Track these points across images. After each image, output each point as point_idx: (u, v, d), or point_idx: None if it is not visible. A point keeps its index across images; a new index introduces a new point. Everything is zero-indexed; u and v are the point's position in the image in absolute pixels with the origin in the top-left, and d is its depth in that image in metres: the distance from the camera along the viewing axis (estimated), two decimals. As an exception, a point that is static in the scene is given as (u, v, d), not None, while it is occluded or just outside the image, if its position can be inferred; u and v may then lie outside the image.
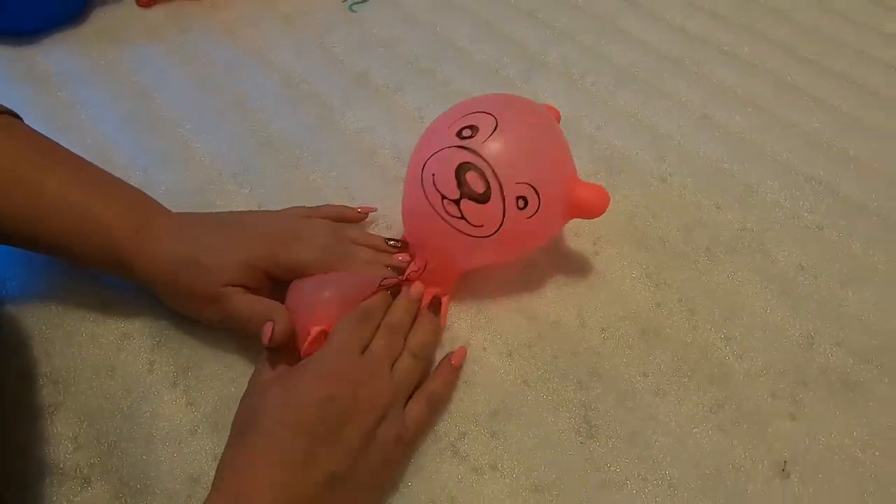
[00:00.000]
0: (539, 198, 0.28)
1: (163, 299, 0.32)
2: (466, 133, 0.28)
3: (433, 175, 0.29)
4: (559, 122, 0.36)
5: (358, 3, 0.60)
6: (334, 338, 0.29)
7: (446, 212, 0.28)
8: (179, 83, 0.51)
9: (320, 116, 0.48)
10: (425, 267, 0.32)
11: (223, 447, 0.29)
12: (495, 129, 0.28)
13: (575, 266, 0.39)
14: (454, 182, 0.28)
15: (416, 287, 0.32)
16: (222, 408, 0.32)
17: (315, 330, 0.29)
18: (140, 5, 0.58)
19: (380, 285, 0.31)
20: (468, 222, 0.28)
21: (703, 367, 0.35)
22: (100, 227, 0.31)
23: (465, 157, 0.28)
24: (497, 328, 0.36)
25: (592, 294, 0.38)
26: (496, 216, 0.28)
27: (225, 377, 0.33)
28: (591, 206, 0.31)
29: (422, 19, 0.58)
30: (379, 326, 0.31)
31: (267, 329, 0.29)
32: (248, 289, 0.31)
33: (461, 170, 0.28)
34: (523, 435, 0.32)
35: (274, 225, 0.34)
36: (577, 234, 0.41)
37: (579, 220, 0.39)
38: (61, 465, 0.30)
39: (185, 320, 0.34)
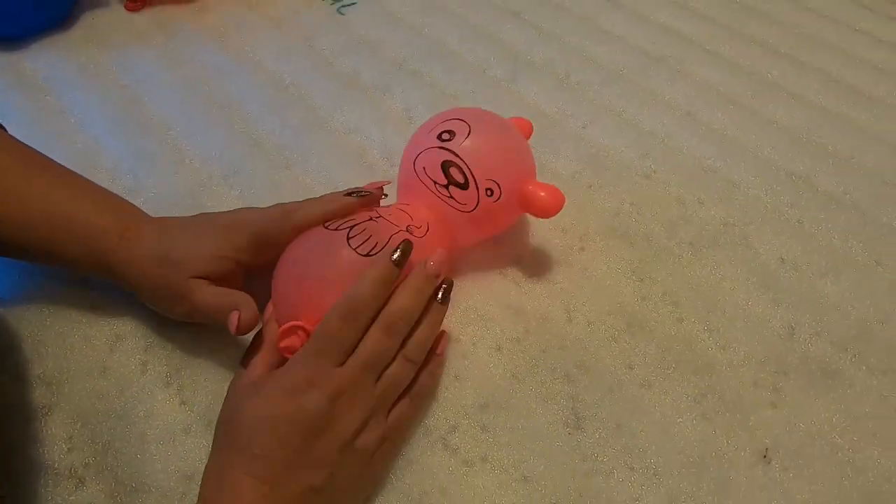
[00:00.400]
0: (500, 190, 0.34)
1: (144, 300, 0.33)
2: (445, 136, 0.35)
3: (424, 168, 0.35)
4: (531, 134, 0.40)
5: (346, 5, 0.61)
6: (313, 340, 0.27)
7: (439, 192, 0.34)
8: (168, 87, 0.51)
9: (309, 118, 0.49)
10: (429, 228, 0.33)
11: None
12: (468, 134, 0.34)
13: (562, 262, 0.40)
14: (441, 173, 0.34)
15: (440, 256, 0.29)
16: (216, 406, 0.32)
17: (284, 326, 0.29)
18: (128, 9, 0.58)
19: (348, 232, 0.29)
20: (456, 201, 0.34)
21: (687, 358, 0.35)
22: (85, 234, 0.31)
23: (447, 155, 0.34)
24: (486, 324, 0.36)
25: (579, 289, 0.38)
26: (473, 199, 0.34)
27: (218, 375, 0.33)
28: (545, 205, 0.35)
29: (409, 21, 0.59)
30: (372, 318, 0.28)
31: (233, 318, 0.29)
32: (217, 281, 0.31)
33: (445, 165, 0.34)
34: (513, 427, 0.32)
35: (248, 214, 0.32)
36: (564, 231, 0.41)
37: (566, 216, 0.40)
38: (56, 466, 0.30)
39: (176, 321, 0.35)
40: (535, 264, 0.39)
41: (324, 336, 0.27)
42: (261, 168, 0.45)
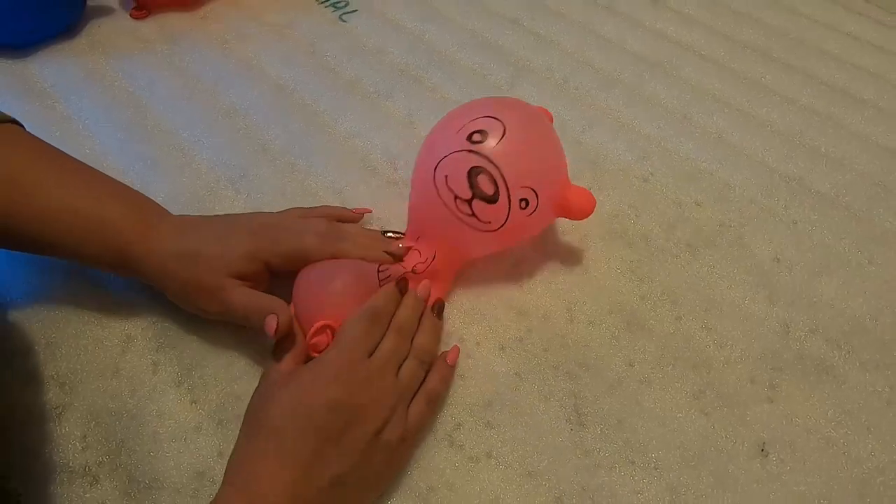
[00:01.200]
0: (538, 199, 0.31)
1: (169, 294, 0.33)
2: (477, 137, 0.31)
3: (446, 176, 0.31)
4: (552, 123, 0.38)
5: (348, 12, 0.62)
6: (344, 338, 0.30)
7: (459, 210, 0.30)
8: (173, 93, 0.52)
9: (313, 123, 0.50)
10: (434, 258, 0.34)
11: (228, 443, 0.31)
12: (504, 135, 0.31)
13: (563, 263, 0.41)
14: (466, 184, 0.30)
15: (424, 286, 0.34)
16: (226, 405, 0.33)
17: (318, 324, 0.31)
18: (133, 17, 0.59)
19: (380, 272, 0.33)
20: (478, 219, 0.30)
21: (686, 355, 0.36)
22: (108, 230, 0.32)
23: (477, 161, 0.30)
24: (490, 323, 0.37)
25: (580, 289, 0.39)
26: (502, 214, 0.30)
27: (228, 375, 0.34)
28: (579, 209, 0.34)
29: (410, 28, 0.60)
30: (388, 326, 0.32)
31: (271, 322, 0.30)
32: (249, 282, 0.32)
33: (473, 172, 0.30)
34: (516, 424, 0.33)
35: (273, 219, 0.35)
36: (565, 233, 0.42)
37: (567, 221, 0.41)
38: (70, 465, 0.30)
39: (187, 321, 0.35)
40: (537, 265, 0.40)
41: (352, 334, 0.30)
42: (266, 172, 0.46)
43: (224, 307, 0.32)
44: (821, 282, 0.41)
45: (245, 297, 0.31)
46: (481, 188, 0.30)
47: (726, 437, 0.33)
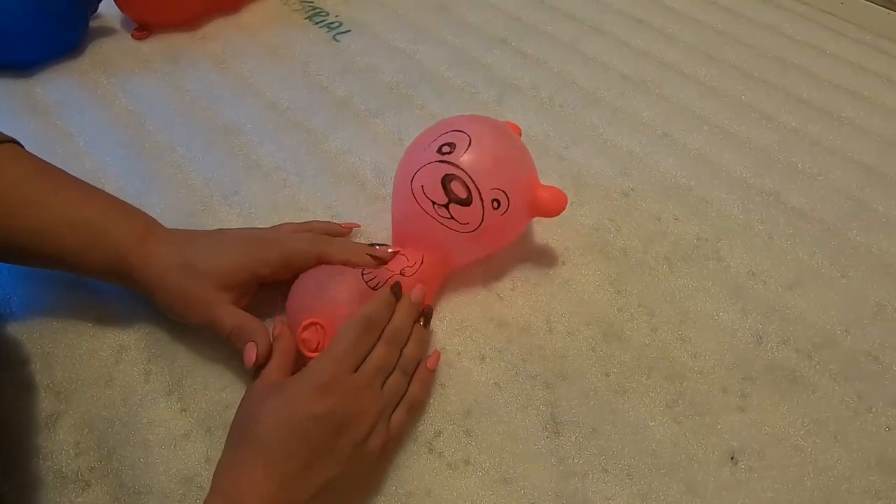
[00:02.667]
0: (508, 199, 0.34)
1: (158, 304, 0.35)
2: (446, 149, 0.34)
3: (422, 186, 0.34)
4: (520, 136, 0.40)
5: (341, 32, 0.64)
6: (335, 347, 0.31)
7: (438, 214, 0.33)
8: (171, 111, 0.54)
9: (305, 140, 0.52)
10: (422, 262, 0.35)
11: (215, 449, 0.32)
12: (469, 144, 0.34)
13: (543, 275, 0.42)
14: (441, 190, 0.33)
15: (419, 290, 0.35)
16: (214, 413, 0.34)
17: (306, 321, 0.32)
18: (134, 38, 0.61)
19: (365, 275, 0.34)
20: (457, 221, 0.33)
21: (661, 366, 0.38)
22: (105, 242, 0.34)
23: (448, 169, 0.33)
24: (471, 334, 0.38)
25: (559, 301, 0.41)
26: (477, 215, 0.33)
27: (217, 384, 0.35)
28: (550, 206, 0.36)
29: (401, 48, 0.62)
30: (381, 334, 0.32)
31: (251, 352, 0.31)
32: (235, 293, 0.34)
33: (446, 180, 0.33)
34: (494, 432, 0.34)
35: (263, 232, 0.37)
36: (546, 246, 0.44)
37: (549, 232, 0.42)
38: (63, 470, 0.32)
39: (178, 332, 0.37)
40: (518, 278, 0.42)
41: (344, 345, 0.31)
42: (259, 188, 0.47)
43: (209, 321, 0.33)
44: (794, 295, 0.42)
45: (230, 317, 0.33)
46: (455, 193, 0.33)
47: (697, 445, 0.34)
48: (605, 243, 0.44)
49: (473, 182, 0.33)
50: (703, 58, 0.62)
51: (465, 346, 0.38)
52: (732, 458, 0.34)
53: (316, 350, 0.32)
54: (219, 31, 0.63)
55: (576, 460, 0.33)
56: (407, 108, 0.55)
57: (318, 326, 0.32)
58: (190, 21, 0.63)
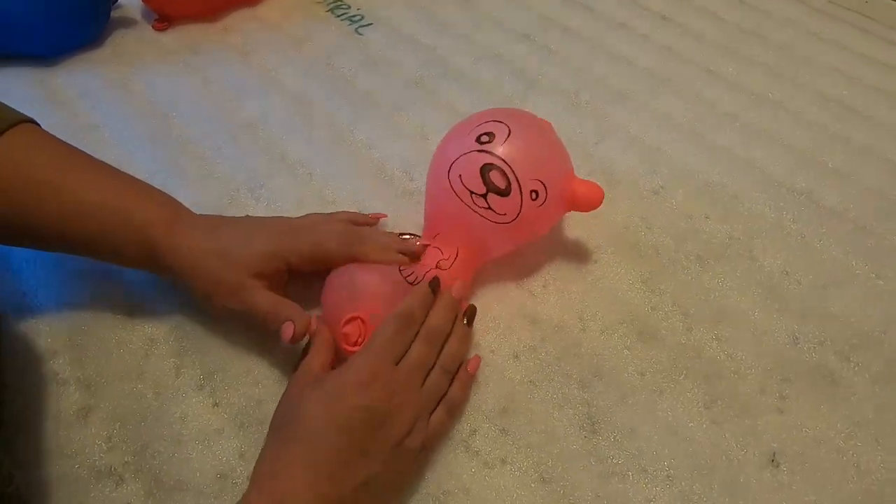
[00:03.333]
0: (547, 191, 0.34)
1: (193, 291, 0.34)
2: (484, 139, 0.33)
3: (460, 175, 0.33)
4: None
5: (363, 25, 0.63)
6: (374, 343, 0.30)
7: (475, 204, 0.33)
8: (196, 103, 0.53)
9: (330, 134, 0.51)
10: (457, 254, 0.35)
11: (249, 445, 0.32)
12: (508, 135, 0.33)
13: (575, 273, 0.41)
14: (480, 180, 0.32)
15: (460, 286, 0.34)
16: (248, 408, 0.34)
17: (348, 315, 0.32)
18: (155, 29, 0.61)
19: (403, 272, 0.34)
20: (494, 211, 0.33)
21: (697, 366, 0.37)
22: (136, 224, 0.33)
23: (487, 158, 0.33)
24: (504, 332, 0.38)
25: (592, 299, 0.40)
26: (515, 205, 0.33)
27: (249, 379, 0.35)
28: (587, 199, 0.36)
29: (424, 42, 0.62)
30: (419, 330, 0.32)
31: (287, 329, 0.31)
32: (267, 281, 0.33)
33: (485, 169, 0.32)
34: (530, 431, 0.34)
35: (294, 221, 0.37)
36: (577, 244, 0.43)
37: (579, 229, 0.41)
38: (96, 465, 0.31)
39: (208, 327, 0.36)
40: (550, 276, 0.41)
41: (383, 340, 0.30)
42: (285, 182, 0.47)
43: (245, 307, 0.32)
44: (829, 294, 0.41)
45: (267, 300, 0.32)
46: (494, 183, 0.32)
47: (737, 446, 0.34)
48: (636, 241, 0.44)
49: (513, 172, 0.33)
50: (729, 55, 0.61)
51: (498, 344, 0.37)
52: (773, 460, 0.33)
53: (356, 344, 0.32)
54: (239, 24, 0.63)
55: (615, 460, 0.33)
56: (430, 103, 0.54)
57: (359, 321, 0.32)
58: (210, 13, 0.63)
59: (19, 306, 0.38)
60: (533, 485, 0.32)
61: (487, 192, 0.33)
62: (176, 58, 0.58)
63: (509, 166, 0.33)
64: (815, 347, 0.38)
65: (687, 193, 0.47)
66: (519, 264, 0.41)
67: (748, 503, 0.31)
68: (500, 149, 0.33)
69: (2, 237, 0.34)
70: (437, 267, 0.35)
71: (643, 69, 0.59)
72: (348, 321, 0.32)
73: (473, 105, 0.54)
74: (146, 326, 0.37)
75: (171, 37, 0.61)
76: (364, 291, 0.33)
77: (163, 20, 0.61)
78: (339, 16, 0.65)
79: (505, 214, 0.33)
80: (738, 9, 0.68)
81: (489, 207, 0.33)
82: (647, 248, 0.43)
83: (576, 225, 0.44)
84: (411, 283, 0.34)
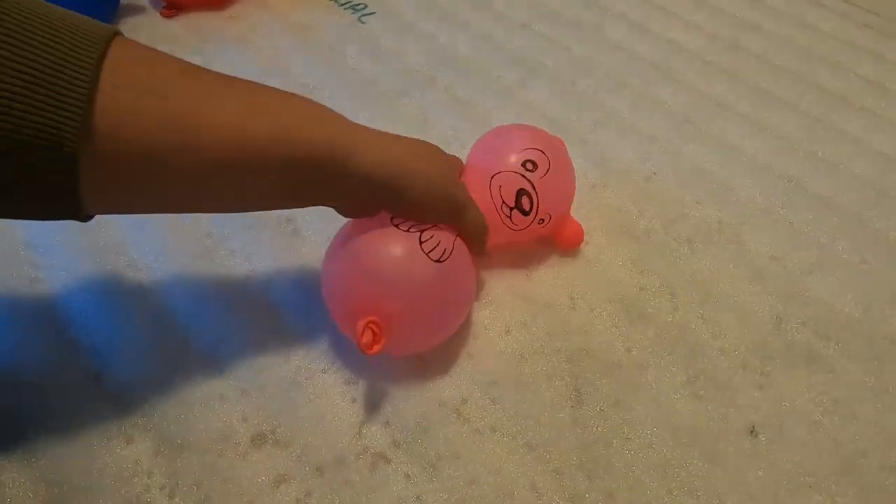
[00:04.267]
0: (550, 221, 0.39)
1: (396, 186, 0.30)
2: (529, 167, 0.38)
3: (500, 187, 0.38)
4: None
5: (366, 14, 0.65)
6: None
7: (501, 211, 0.38)
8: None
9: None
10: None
11: (252, 411, 0.33)
12: (548, 170, 0.38)
13: (567, 255, 0.43)
14: (513, 198, 0.38)
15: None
16: (250, 376, 0.35)
17: (361, 323, 0.30)
18: (163, 16, 0.62)
19: (423, 243, 0.32)
20: (511, 221, 0.38)
21: (682, 343, 0.38)
22: (315, 146, 0.28)
23: (526, 185, 0.38)
24: (497, 309, 0.39)
25: (582, 279, 0.41)
26: (526, 223, 0.38)
27: (252, 350, 0.36)
28: (569, 239, 0.42)
29: (425, 30, 0.63)
30: None
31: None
32: None
33: (520, 192, 0.38)
34: (519, 401, 0.35)
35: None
36: (569, 226, 0.45)
37: (573, 213, 0.43)
38: (110, 429, 0.33)
39: (211, 299, 0.38)
40: (543, 256, 0.42)
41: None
42: (288, 164, 0.48)
43: (458, 207, 0.34)
44: (814, 279, 0.43)
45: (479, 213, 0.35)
46: (522, 205, 0.38)
47: (718, 418, 0.35)
48: (628, 225, 0.45)
49: (538, 203, 0.38)
50: (725, 46, 0.62)
51: (491, 320, 0.39)
52: (752, 431, 0.34)
53: (371, 349, 0.30)
54: (245, 12, 0.64)
55: (599, 429, 0.34)
56: (431, 90, 0.56)
57: (375, 325, 0.30)
58: (217, 1, 0.64)
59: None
60: (520, 450, 0.33)
61: (514, 208, 0.38)
62: (185, 45, 0.60)
63: (538, 197, 0.38)
64: (797, 328, 0.40)
65: (679, 180, 0.49)
66: (514, 248, 0.42)
67: (726, 470, 0.33)
68: (538, 182, 0.38)
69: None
70: (457, 236, 0.35)
71: (641, 59, 0.60)
72: (366, 326, 0.30)
73: (472, 91, 0.56)
74: (155, 298, 0.39)
75: (179, 23, 0.62)
76: (391, 287, 0.31)
77: (171, 7, 0.62)
78: (342, 4, 0.66)
79: (516, 225, 0.38)
80: (737, 1, 0.68)
81: (510, 217, 0.38)
82: (637, 232, 0.45)
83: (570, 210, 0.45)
84: (436, 261, 0.32)
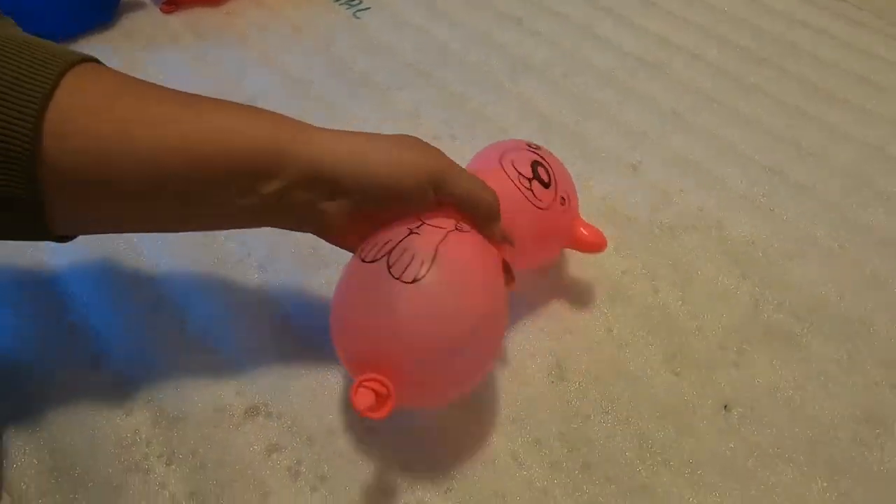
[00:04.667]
0: (570, 205, 0.38)
1: (356, 181, 0.28)
2: (533, 146, 0.38)
3: (513, 161, 0.36)
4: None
5: (361, 10, 0.66)
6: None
7: (521, 183, 0.35)
8: (198, 83, 0.56)
9: (327, 114, 0.54)
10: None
11: (246, 385, 0.35)
12: (549, 156, 0.39)
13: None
14: (530, 169, 0.36)
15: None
16: (243, 357, 0.37)
17: (354, 386, 0.25)
18: (163, 12, 0.64)
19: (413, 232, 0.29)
20: (533, 193, 0.35)
21: (661, 324, 0.40)
22: (259, 139, 0.27)
23: (538, 158, 0.37)
24: (482, 291, 0.41)
25: (566, 263, 0.43)
26: (550, 197, 0.36)
27: (243, 333, 0.38)
28: (587, 241, 0.38)
29: (418, 26, 0.64)
30: None
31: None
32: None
33: (535, 164, 0.37)
34: (503, 377, 0.37)
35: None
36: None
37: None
38: (109, 403, 0.34)
39: (205, 284, 0.39)
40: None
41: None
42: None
43: (447, 170, 0.29)
44: (792, 263, 0.44)
45: (466, 181, 0.30)
46: (540, 175, 0.36)
47: (693, 394, 0.36)
48: (612, 211, 0.47)
49: (554, 175, 0.37)
50: (713, 40, 0.64)
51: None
52: (726, 406, 0.36)
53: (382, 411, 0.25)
54: (243, 8, 0.66)
55: (579, 404, 0.36)
56: (424, 85, 0.57)
57: (376, 382, 0.25)
58: (216, -3, 0.66)
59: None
60: (505, 424, 0.35)
61: (533, 178, 0.36)
62: (181, 40, 0.61)
63: (553, 170, 0.37)
64: (774, 309, 0.41)
65: (664, 169, 0.50)
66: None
67: (699, 441, 0.34)
68: (547, 157, 0.38)
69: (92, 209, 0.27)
70: (456, 229, 0.30)
71: (629, 54, 0.62)
72: (360, 386, 0.25)
73: (464, 86, 0.57)
74: (152, 285, 0.40)
75: (178, 19, 0.64)
76: (363, 336, 0.27)
77: (170, 3, 0.64)
78: (337, 0, 0.67)
79: (541, 201, 0.35)
80: (725, -4, 0.70)
81: (530, 189, 0.35)
82: (621, 218, 0.46)
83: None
84: (411, 282, 0.26)
